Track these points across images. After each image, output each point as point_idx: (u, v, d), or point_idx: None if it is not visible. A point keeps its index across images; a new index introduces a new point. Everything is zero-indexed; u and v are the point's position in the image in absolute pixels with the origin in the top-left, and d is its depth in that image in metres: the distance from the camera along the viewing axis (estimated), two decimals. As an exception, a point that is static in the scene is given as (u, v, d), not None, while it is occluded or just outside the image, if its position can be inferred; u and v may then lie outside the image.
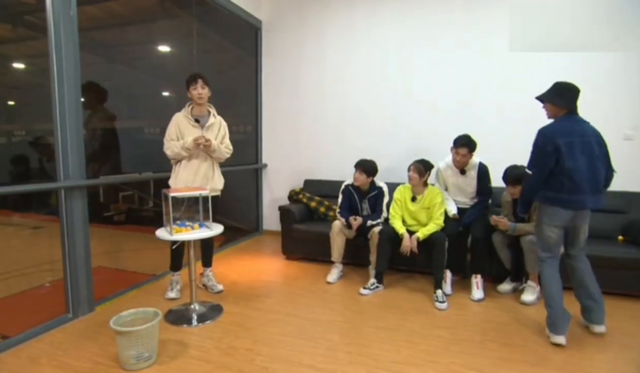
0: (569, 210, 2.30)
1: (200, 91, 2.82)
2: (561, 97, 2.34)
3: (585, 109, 3.57)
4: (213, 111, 2.97)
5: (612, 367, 2.12)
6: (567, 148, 2.22)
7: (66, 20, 2.41)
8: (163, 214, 2.63)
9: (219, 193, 3.01)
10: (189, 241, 2.60)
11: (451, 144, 3.25)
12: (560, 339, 2.30)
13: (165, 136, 2.84)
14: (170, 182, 2.88)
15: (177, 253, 2.97)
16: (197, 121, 2.85)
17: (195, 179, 2.84)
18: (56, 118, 2.42)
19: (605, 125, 3.53)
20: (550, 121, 2.41)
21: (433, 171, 3.32)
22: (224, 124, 3.01)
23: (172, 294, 2.98)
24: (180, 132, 2.81)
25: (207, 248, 3.15)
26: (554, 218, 2.33)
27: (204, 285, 3.16)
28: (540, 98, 2.42)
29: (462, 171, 3.25)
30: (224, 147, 2.95)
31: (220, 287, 3.12)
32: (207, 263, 3.18)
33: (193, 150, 2.79)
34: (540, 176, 2.31)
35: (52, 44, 2.38)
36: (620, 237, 3.30)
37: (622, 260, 2.95)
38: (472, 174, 3.23)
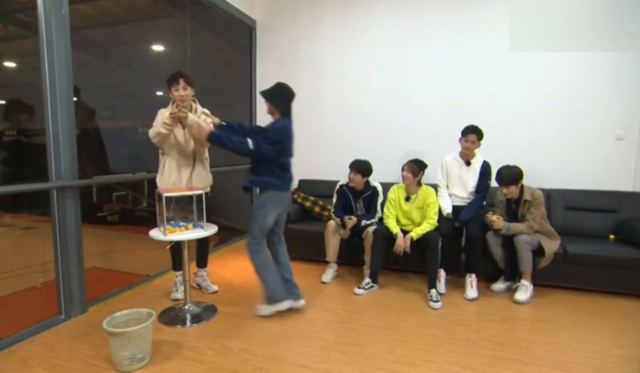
0: (288, 192, 2.73)
1: (182, 92, 2.66)
2: (281, 101, 2.75)
3: (580, 109, 3.66)
4: (196, 105, 2.84)
5: (604, 364, 2.14)
6: (289, 147, 2.75)
7: (58, 19, 2.39)
8: (157, 215, 2.61)
9: (208, 190, 2.94)
10: (183, 241, 2.59)
11: (447, 145, 3.28)
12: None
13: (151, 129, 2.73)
14: (158, 182, 2.80)
15: (177, 253, 2.95)
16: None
17: (181, 178, 2.77)
18: (48, 117, 2.39)
19: (600, 125, 3.62)
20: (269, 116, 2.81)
21: (432, 169, 3.34)
22: (202, 110, 2.84)
23: (177, 294, 2.95)
24: None
25: (202, 249, 3.12)
26: (278, 203, 2.67)
27: (197, 285, 3.15)
28: (262, 95, 2.76)
29: (468, 163, 3.28)
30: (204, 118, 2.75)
31: (214, 287, 3.11)
32: (201, 263, 3.16)
33: (172, 125, 2.63)
34: (270, 157, 2.57)
35: (44, 42, 2.36)
36: (611, 236, 3.34)
37: (614, 258, 2.98)
38: (476, 167, 3.27)
